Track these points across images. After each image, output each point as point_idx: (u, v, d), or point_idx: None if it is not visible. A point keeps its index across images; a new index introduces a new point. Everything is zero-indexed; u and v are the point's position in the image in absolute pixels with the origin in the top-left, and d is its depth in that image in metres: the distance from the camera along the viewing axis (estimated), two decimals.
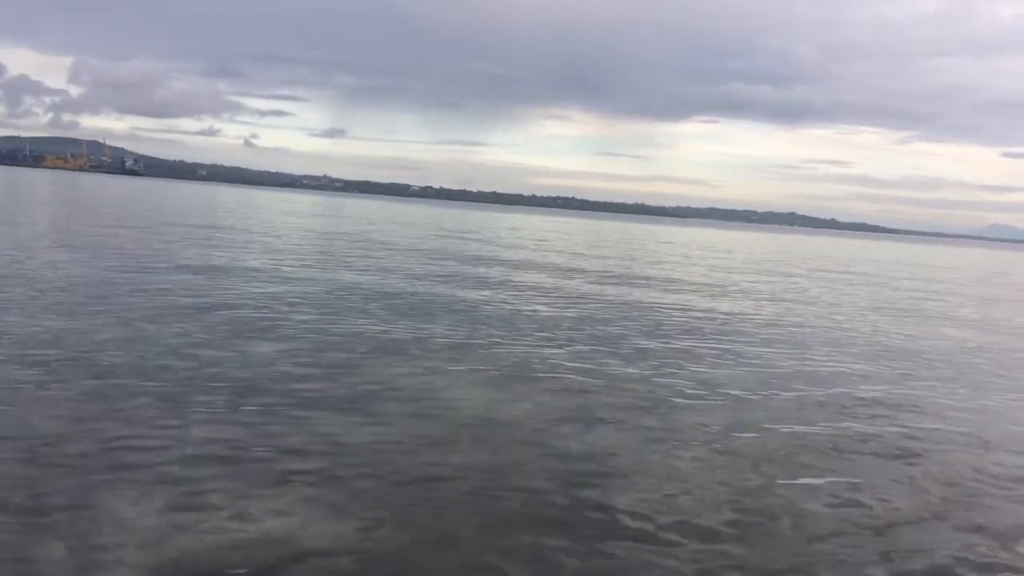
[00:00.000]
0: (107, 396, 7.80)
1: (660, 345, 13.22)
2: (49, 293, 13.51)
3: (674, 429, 8.24)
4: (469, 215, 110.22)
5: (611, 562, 5.17)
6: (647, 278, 26.70)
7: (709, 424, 8.52)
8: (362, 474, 6.31)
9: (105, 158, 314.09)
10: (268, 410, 7.76)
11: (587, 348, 12.45)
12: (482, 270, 24.83)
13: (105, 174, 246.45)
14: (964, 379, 12.60)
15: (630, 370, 11.01)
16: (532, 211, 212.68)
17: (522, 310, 16.29)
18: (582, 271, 27.59)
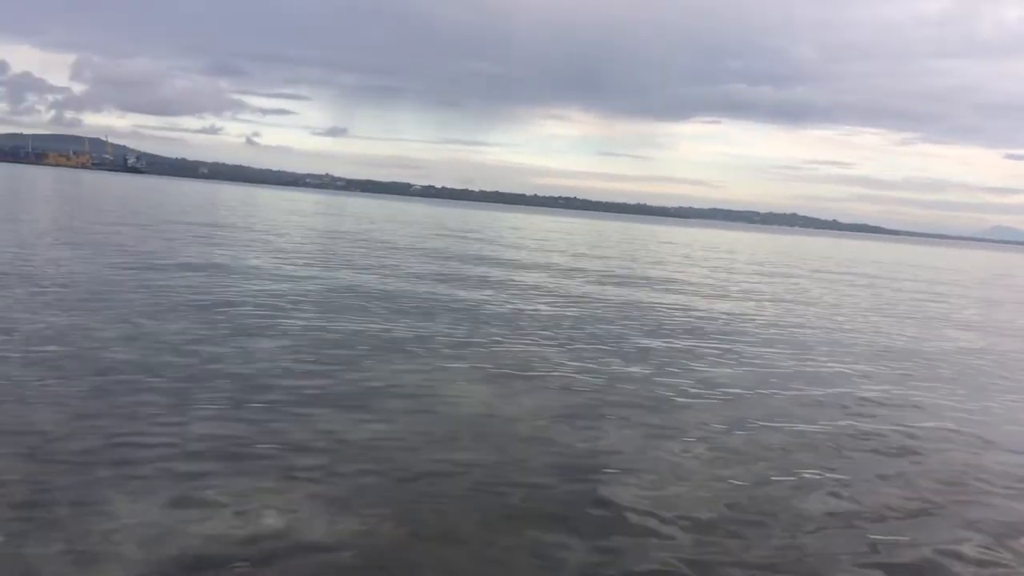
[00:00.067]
0: (109, 392, 7.83)
1: (661, 344, 13.23)
2: (51, 290, 13.54)
3: (674, 427, 8.26)
4: (471, 214, 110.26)
5: (612, 556, 5.20)
6: (648, 278, 26.71)
7: (709, 422, 8.54)
8: (364, 470, 6.34)
9: (107, 156, 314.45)
10: (270, 407, 7.79)
11: (588, 347, 12.47)
12: (483, 269, 24.85)
13: (107, 172, 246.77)
14: (965, 380, 12.61)
15: (631, 369, 11.03)
16: (534, 211, 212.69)
17: (523, 309, 16.31)
18: (583, 271, 27.61)
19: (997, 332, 19.86)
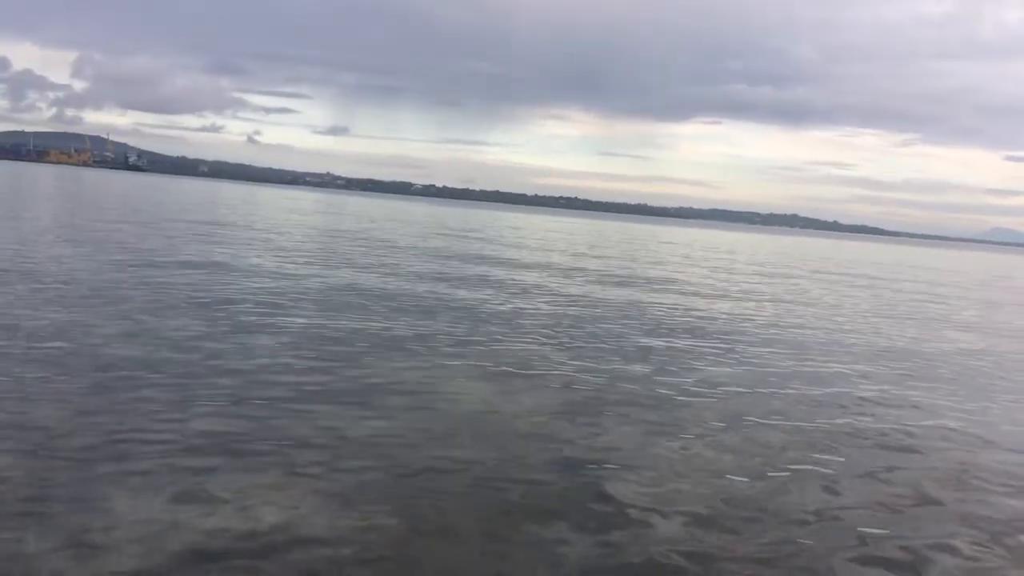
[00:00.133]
0: (110, 388, 7.87)
1: (661, 344, 13.26)
2: (53, 287, 13.57)
3: (673, 424, 8.30)
4: (472, 214, 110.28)
5: (611, 550, 5.23)
6: (648, 278, 26.74)
7: (708, 420, 8.57)
8: (364, 466, 6.37)
9: (108, 153, 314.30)
10: (271, 403, 7.82)
11: (588, 346, 12.50)
12: (484, 268, 24.88)
13: (108, 169, 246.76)
14: (964, 381, 12.64)
15: (630, 367, 11.06)
16: (534, 210, 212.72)
17: (523, 308, 16.34)
18: (583, 271, 27.64)
19: (996, 333, 19.89)
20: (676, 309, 18.35)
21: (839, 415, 9.41)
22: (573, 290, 20.73)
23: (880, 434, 8.71)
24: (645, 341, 13.42)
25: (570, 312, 16.38)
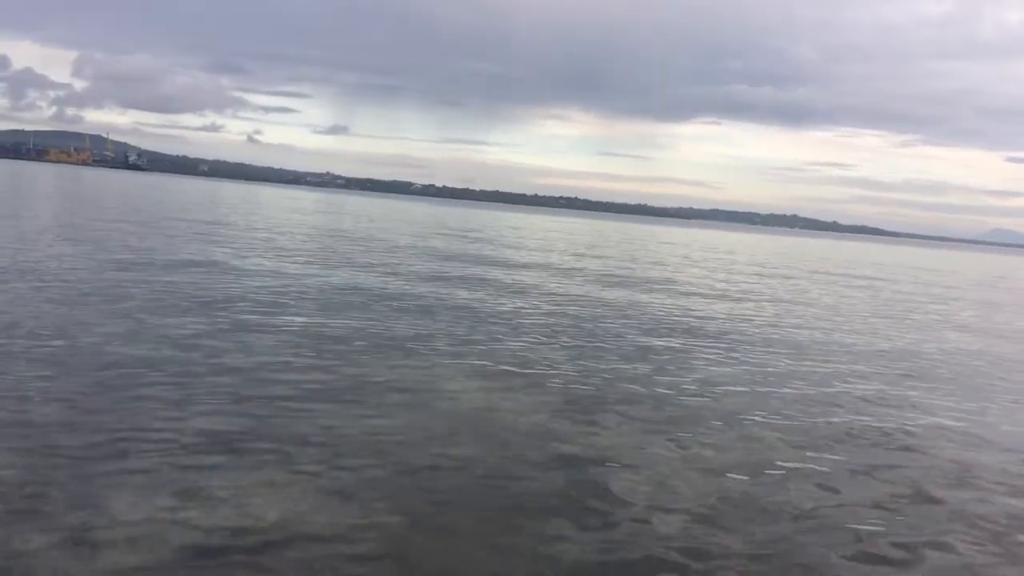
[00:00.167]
0: (111, 387, 7.89)
1: (660, 344, 13.29)
2: (53, 286, 13.60)
3: (671, 423, 8.33)
4: (472, 214, 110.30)
5: (609, 547, 5.26)
6: (648, 278, 26.77)
7: (706, 419, 8.60)
8: (364, 464, 6.39)
9: (108, 152, 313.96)
10: (271, 402, 7.84)
11: (587, 346, 12.53)
12: (483, 268, 24.90)
13: (108, 168, 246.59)
14: (962, 381, 12.67)
15: (629, 367, 11.08)
16: (535, 210, 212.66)
17: (523, 308, 16.37)
18: (583, 271, 27.66)
19: (995, 334, 19.91)
20: (675, 309, 18.38)
21: (837, 414, 9.44)
22: (573, 290, 20.75)
23: (878, 433, 8.74)
24: (644, 341, 13.44)
25: (570, 312, 16.40)
